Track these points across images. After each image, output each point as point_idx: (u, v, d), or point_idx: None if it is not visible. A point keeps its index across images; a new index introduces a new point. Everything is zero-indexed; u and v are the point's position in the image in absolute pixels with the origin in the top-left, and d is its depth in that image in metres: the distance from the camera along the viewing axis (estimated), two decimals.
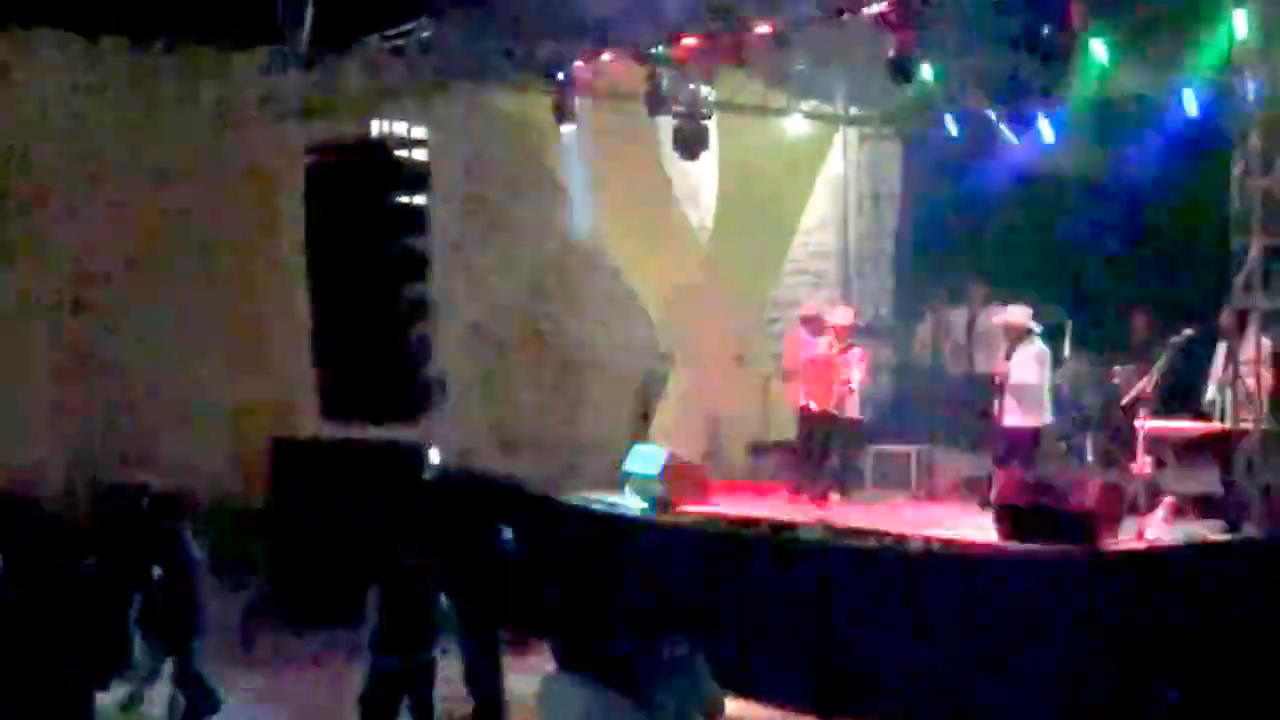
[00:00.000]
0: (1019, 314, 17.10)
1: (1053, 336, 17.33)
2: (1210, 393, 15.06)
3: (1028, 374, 16.81)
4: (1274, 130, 12.98)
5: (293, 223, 19.93)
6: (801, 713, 14.61)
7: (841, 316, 19.05)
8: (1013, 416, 16.88)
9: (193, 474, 18.45)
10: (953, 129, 19.47)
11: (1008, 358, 16.93)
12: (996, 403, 16.99)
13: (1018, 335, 16.97)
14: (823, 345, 18.60)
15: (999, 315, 17.58)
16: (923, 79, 17.17)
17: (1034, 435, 16.93)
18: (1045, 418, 16.91)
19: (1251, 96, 13.05)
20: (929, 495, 18.41)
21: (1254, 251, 12.98)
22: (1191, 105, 16.72)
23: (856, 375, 18.47)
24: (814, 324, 19.07)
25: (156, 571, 14.49)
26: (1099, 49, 15.10)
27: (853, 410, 18.58)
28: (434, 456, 19.10)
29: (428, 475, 18.84)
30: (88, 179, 20.42)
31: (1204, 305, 16.30)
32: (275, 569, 18.98)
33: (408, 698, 13.36)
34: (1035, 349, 16.93)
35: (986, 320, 18.63)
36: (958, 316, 20.27)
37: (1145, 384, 16.36)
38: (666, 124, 18.79)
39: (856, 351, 18.59)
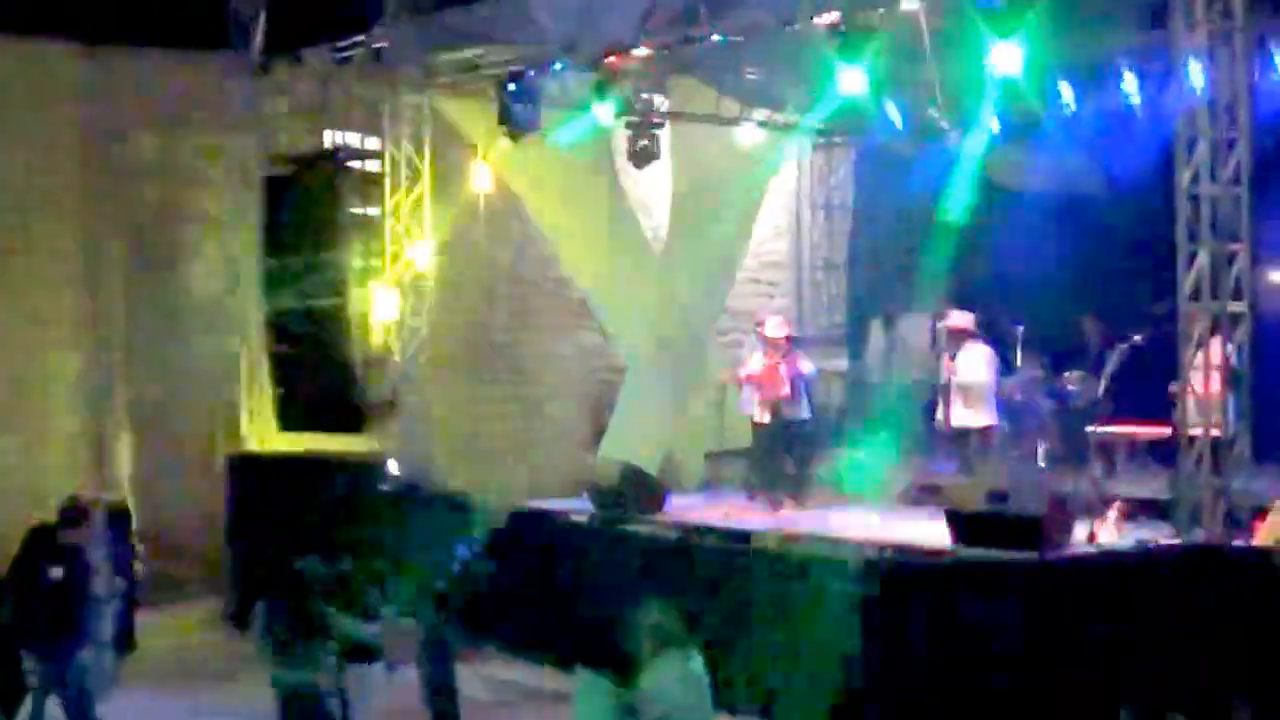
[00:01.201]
0: (960, 318, 17.30)
1: (1004, 343, 17.44)
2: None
3: (975, 374, 16.98)
4: (1221, 138, 13.06)
5: (246, 233, 19.92)
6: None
7: (774, 329, 19.12)
8: (962, 416, 17.03)
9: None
10: (905, 137, 19.59)
11: (952, 359, 17.09)
12: (942, 405, 17.12)
13: (961, 338, 17.14)
14: (767, 354, 18.70)
15: (942, 320, 17.73)
16: (875, 88, 17.27)
17: (984, 434, 17.05)
18: (995, 417, 17.05)
19: (1200, 106, 13.11)
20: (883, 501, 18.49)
21: (1202, 258, 13.06)
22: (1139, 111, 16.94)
23: (808, 365, 18.65)
24: (772, 344, 19.12)
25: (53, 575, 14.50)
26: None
27: (805, 413, 18.69)
28: (392, 468, 19.11)
29: (386, 488, 18.83)
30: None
31: (1154, 312, 16.49)
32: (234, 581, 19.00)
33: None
34: (980, 349, 17.10)
35: (939, 326, 18.73)
36: (911, 323, 20.39)
37: (1094, 389, 16.56)
38: (620, 133, 18.87)
39: (796, 357, 18.67)
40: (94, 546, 14.90)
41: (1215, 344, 13.40)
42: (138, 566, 15.80)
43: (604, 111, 17.87)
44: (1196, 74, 13.14)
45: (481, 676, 16.53)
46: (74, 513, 14.89)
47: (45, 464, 19.47)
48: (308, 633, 12.97)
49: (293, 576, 13.34)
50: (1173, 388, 14.16)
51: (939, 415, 17.51)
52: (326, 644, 12.88)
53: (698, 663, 9.82)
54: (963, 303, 17.87)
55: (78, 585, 14.39)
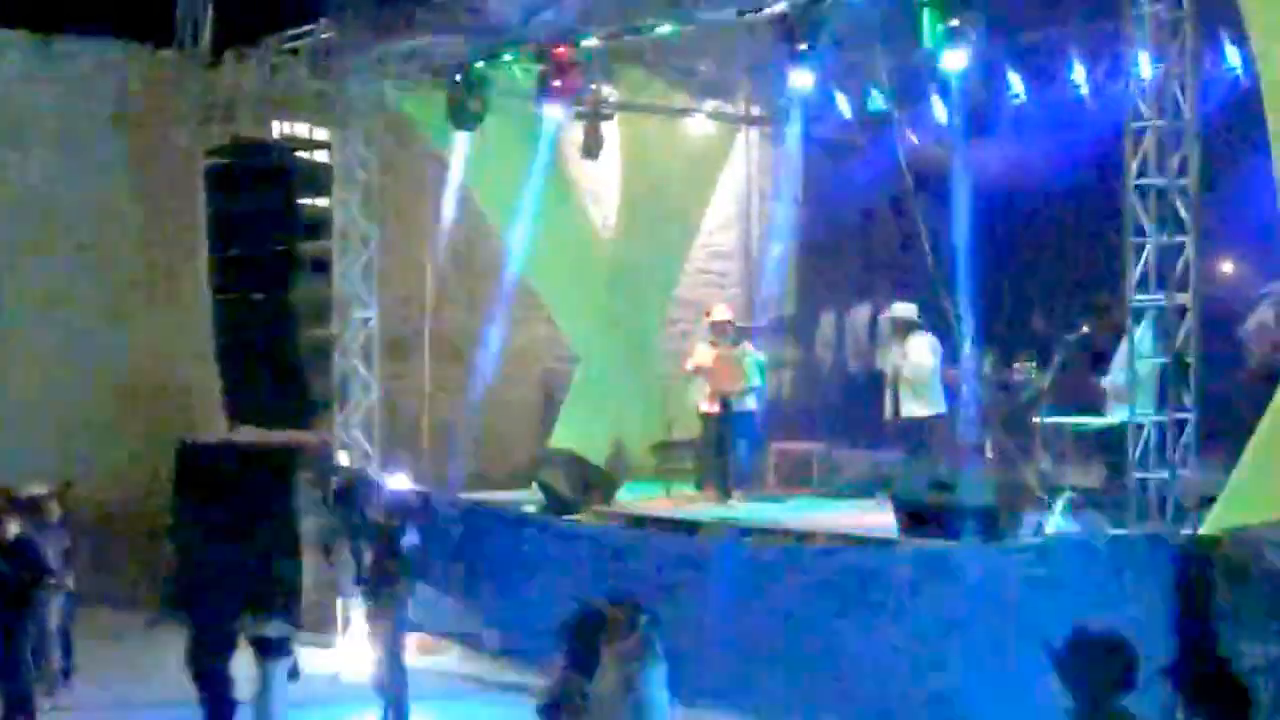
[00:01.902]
0: (904, 309, 17.39)
1: (951, 333, 17.48)
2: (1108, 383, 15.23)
3: (921, 363, 17.03)
4: (1169, 130, 13.11)
5: (193, 224, 19.83)
6: None
7: (719, 313, 19.22)
8: (910, 406, 17.10)
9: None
10: (854, 129, 19.62)
11: (899, 350, 17.17)
12: (890, 396, 17.20)
13: (905, 328, 17.22)
14: (715, 344, 18.74)
15: (885, 311, 17.81)
16: (823, 79, 17.32)
17: (933, 423, 17.12)
18: (941, 406, 17.12)
19: (1148, 97, 13.16)
20: (833, 491, 18.56)
21: (1149, 250, 13.11)
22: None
23: (753, 373, 18.63)
24: (719, 329, 19.17)
25: None
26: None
27: (751, 406, 18.72)
28: (341, 459, 19.10)
29: (334, 479, 18.80)
30: None
31: (1101, 302, 16.56)
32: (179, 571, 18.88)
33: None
34: (925, 339, 17.19)
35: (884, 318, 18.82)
36: (858, 314, 20.46)
37: (1041, 379, 16.62)
38: (569, 124, 18.87)
39: (746, 347, 18.71)
40: (41, 538, 14.86)
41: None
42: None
43: (552, 103, 17.92)
44: (1145, 65, 13.17)
45: (437, 669, 16.58)
46: (16, 504, 14.90)
47: None
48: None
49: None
50: (1104, 382, 14.31)
51: (887, 405, 17.54)
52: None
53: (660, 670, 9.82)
54: (910, 293, 17.89)
55: (23, 577, 14.37)
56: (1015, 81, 17.97)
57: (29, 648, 14.32)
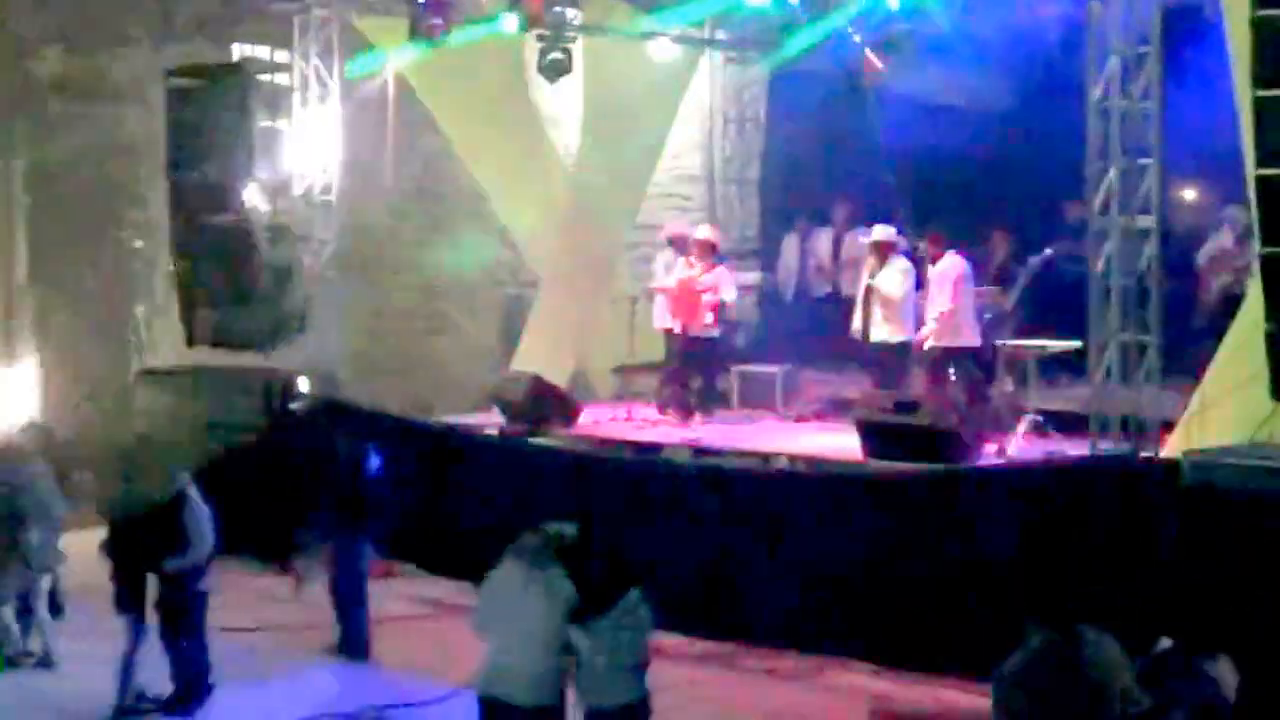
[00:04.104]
0: (884, 232, 17.42)
1: (914, 260, 17.59)
2: None
3: (895, 288, 17.14)
4: (1132, 53, 13.20)
5: (153, 145, 19.77)
6: None
7: (704, 232, 19.31)
8: (881, 330, 17.21)
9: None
10: (818, 53, 19.66)
11: (874, 275, 17.24)
12: (861, 318, 17.29)
13: (885, 252, 17.27)
14: (684, 265, 18.79)
15: (864, 235, 17.85)
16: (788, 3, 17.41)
17: (903, 348, 17.24)
18: (911, 332, 17.22)
19: (1111, 21, 13.25)
20: (794, 414, 18.70)
21: (1111, 173, 13.23)
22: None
23: (727, 293, 18.70)
24: (680, 244, 19.25)
25: None
26: None
27: (716, 330, 18.81)
28: (302, 384, 19.08)
29: (297, 404, 18.80)
30: None
31: (1063, 227, 16.69)
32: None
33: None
34: (901, 265, 17.28)
35: (852, 241, 18.85)
36: (821, 238, 20.56)
37: (1004, 304, 16.76)
38: (533, 47, 18.87)
39: (721, 269, 18.79)
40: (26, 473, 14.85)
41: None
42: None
43: (510, 21, 17.98)
44: None
45: (401, 593, 16.64)
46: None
47: None
48: None
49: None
50: None
51: (856, 326, 17.58)
52: None
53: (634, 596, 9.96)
54: (873, 218, 17.98)
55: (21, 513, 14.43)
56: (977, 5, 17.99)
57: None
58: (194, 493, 13.43)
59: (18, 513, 14.09)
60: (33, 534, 14.08)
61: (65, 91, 20.62)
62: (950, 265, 16.80)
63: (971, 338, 16.69)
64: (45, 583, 14.80)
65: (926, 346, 16.79)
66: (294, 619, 16.00)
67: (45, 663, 14.39)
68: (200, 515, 13.39)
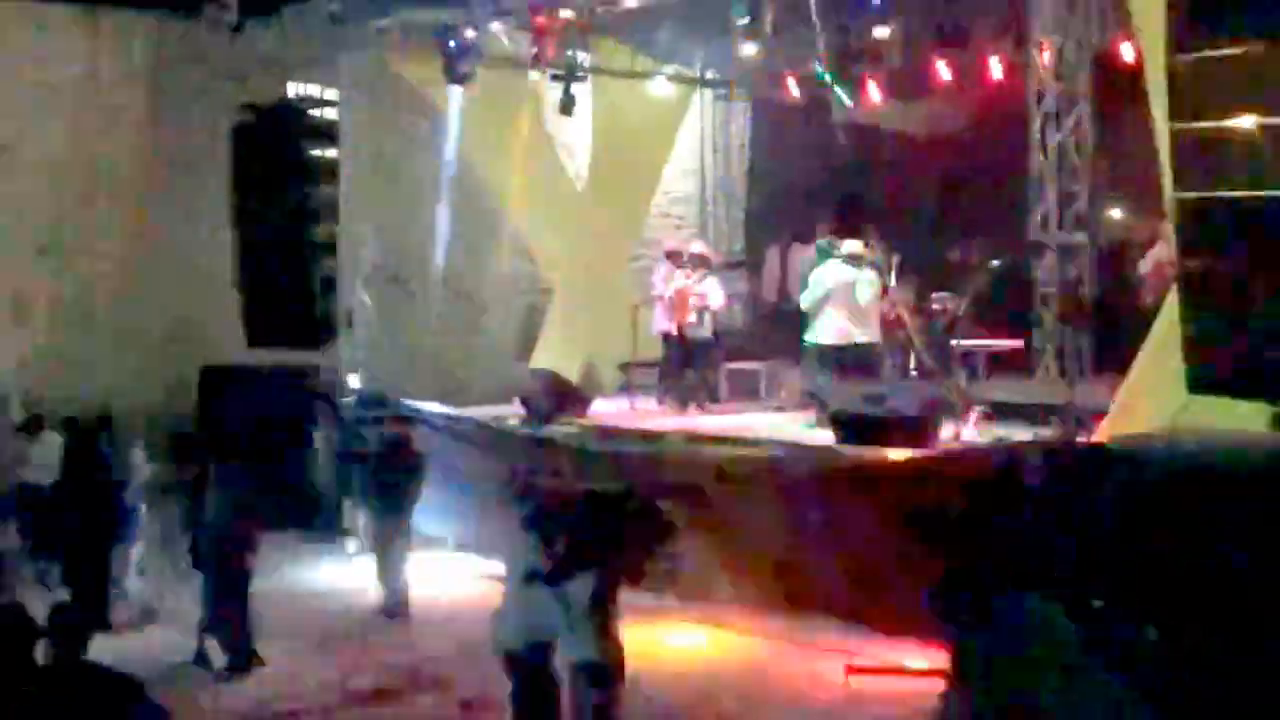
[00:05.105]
0: (855, 245, 17.44)
1: (880, 268, 17.69)
2: None
3: (865, 295, 17.16)
4: (1067, 94, 13.35)
5: (221, 172, 20.01)
6: None
7: (696, 247, 19.47)
8: (853, 331, 17.17)
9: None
10: (794, 91, 19.82)
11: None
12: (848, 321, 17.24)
13: (855, 262, 17.31)
14: (680, 276, 18.89)
15: (838, 248, 17.83)
16: (768, 47, 17.57)
17: (868, 347, 17.33)
18: (877, 333, 17.37)
19: (1047, 65, 13.41)
20: (776, 406, 18.81)
21: (1050, 196, 13.38)
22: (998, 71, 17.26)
23: (715, 299, 18.85)
24: (676, 258, 19.34)
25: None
26: None
27: (708, 332, 18.94)
28: (351, 381, 19.27)
29: (346, 398, 19.02)
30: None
31: (1009, 240, 16.83)
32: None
33: None
34: (870, 274, 17.29)
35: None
36: (799, 251, 20.66)
37: (957, 307, 16.88)
38: (548, 86, 19.03)
39: (712, 279, 18.94)
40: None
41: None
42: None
43: (533, 67, 18.23)
44: (1046, 41, 13.43)
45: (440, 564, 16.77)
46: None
47: None
48: None
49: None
50: None
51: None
52: None
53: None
54: (845, 234, 18.06)
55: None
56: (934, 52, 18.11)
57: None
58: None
59: None
60: None
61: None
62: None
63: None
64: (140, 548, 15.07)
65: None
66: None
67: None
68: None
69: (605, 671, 9.97)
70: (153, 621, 14.48)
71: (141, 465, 15.06)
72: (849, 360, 17.04)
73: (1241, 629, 11.13)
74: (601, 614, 9.95)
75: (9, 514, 16.09)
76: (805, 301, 17.15)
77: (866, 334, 17.05)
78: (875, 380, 16.70)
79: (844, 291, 17.01)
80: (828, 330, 17.03)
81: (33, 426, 16.97)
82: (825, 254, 17.51)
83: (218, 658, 13.06)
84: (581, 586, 9.93)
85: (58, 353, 20.54)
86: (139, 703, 7.83)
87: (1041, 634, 8.06)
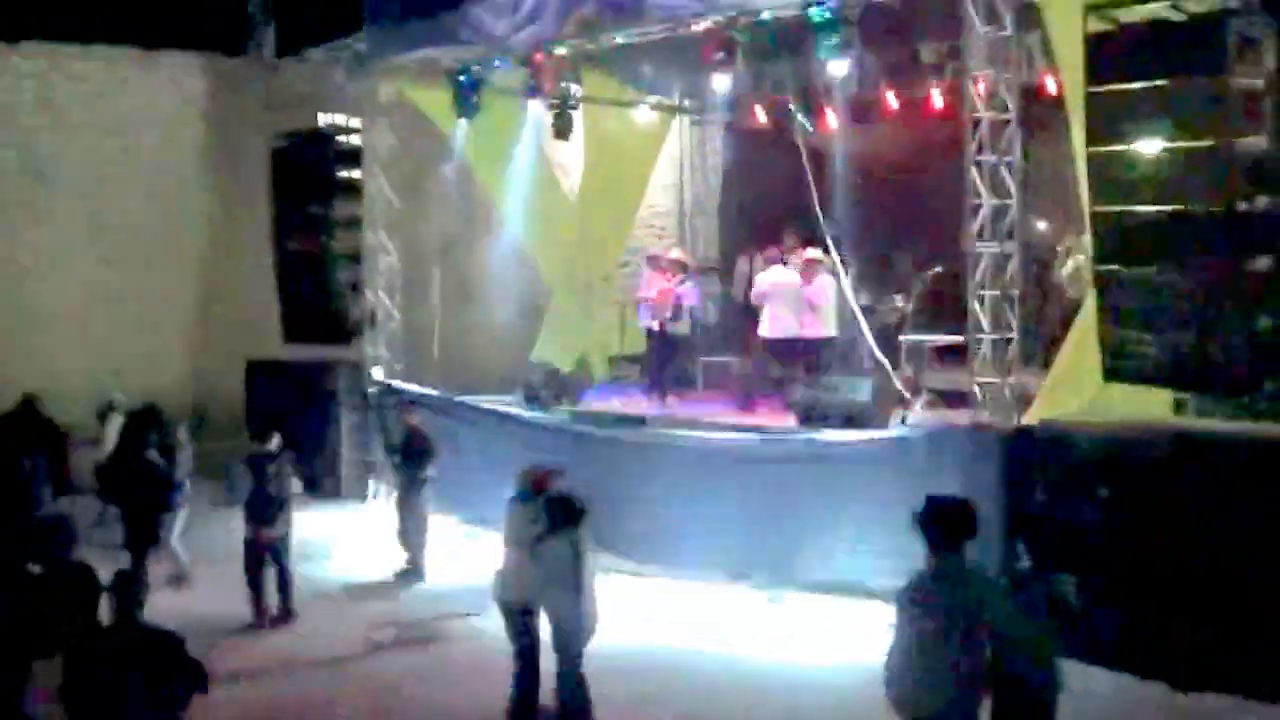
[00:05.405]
0: (815, 252, 17.56)
1: (837, 273, 17.77)
2: None
3: (824, 295, 17.27)
4: (999, 121, 13.43)
5: (262, 190, 20.18)
6: None
7: (676, 254, 19.59)
8: (812, 329, 17.32)
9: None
10: (761, 117, 19.92)
11: (808, 284, 17.31)
12: (797, 318, 17.36)
13: (814, 267, 17.43)
14: (662, 279, 18.90)
15: (798, 254, 17.93)
16: (739, 79, 17.70)
17: (828, 342, 17.46)
18: (834, 329, 17.42)
19: (982, 96, 13.48)
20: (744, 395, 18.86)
21: (984, 210, 13.42)
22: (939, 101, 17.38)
23: (693, 300, 18.92)
24: (658, 263, 19.41)
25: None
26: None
27: (686, 329, 19.05)
28: (375, 373, 19.37)
29: (370, 388, 19.18)
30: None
31: (949, 249, 16.91)
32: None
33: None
34: (828, 277, 17.37)
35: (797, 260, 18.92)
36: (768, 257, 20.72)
37: (905, 307, 17.01)
38: (544, 113, 19.14)
39: (690, 282, 19.05)
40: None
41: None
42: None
43: (532, 97, 18.35)
44: (981, 72, 13.52)
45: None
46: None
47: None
48: None
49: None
50: None
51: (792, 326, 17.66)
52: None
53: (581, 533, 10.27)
54: (807, 243, 18.14)
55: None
56: (885, 84, 18.22)
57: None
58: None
59: None
60: None
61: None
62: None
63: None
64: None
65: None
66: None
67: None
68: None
69: (579, 624, 10.21)
70: (187, 584, 14.61)
71: (186, 444, 15.15)
72: (799, 352, 17.16)
73: (1136, 577, 11.39)
74: (576, 575, 10.17)
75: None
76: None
77: (825, 328, 17.16)
78: (834, 372, 16.75)
79: (793, 292, 17.17)
80: (776, 326, 17.22)
81: (105, 412, 17.13)
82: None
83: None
84: (559, 552, 10.18)
85: (131, 351, 20.93)
86: (179, 656, 7.98)
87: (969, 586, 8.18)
